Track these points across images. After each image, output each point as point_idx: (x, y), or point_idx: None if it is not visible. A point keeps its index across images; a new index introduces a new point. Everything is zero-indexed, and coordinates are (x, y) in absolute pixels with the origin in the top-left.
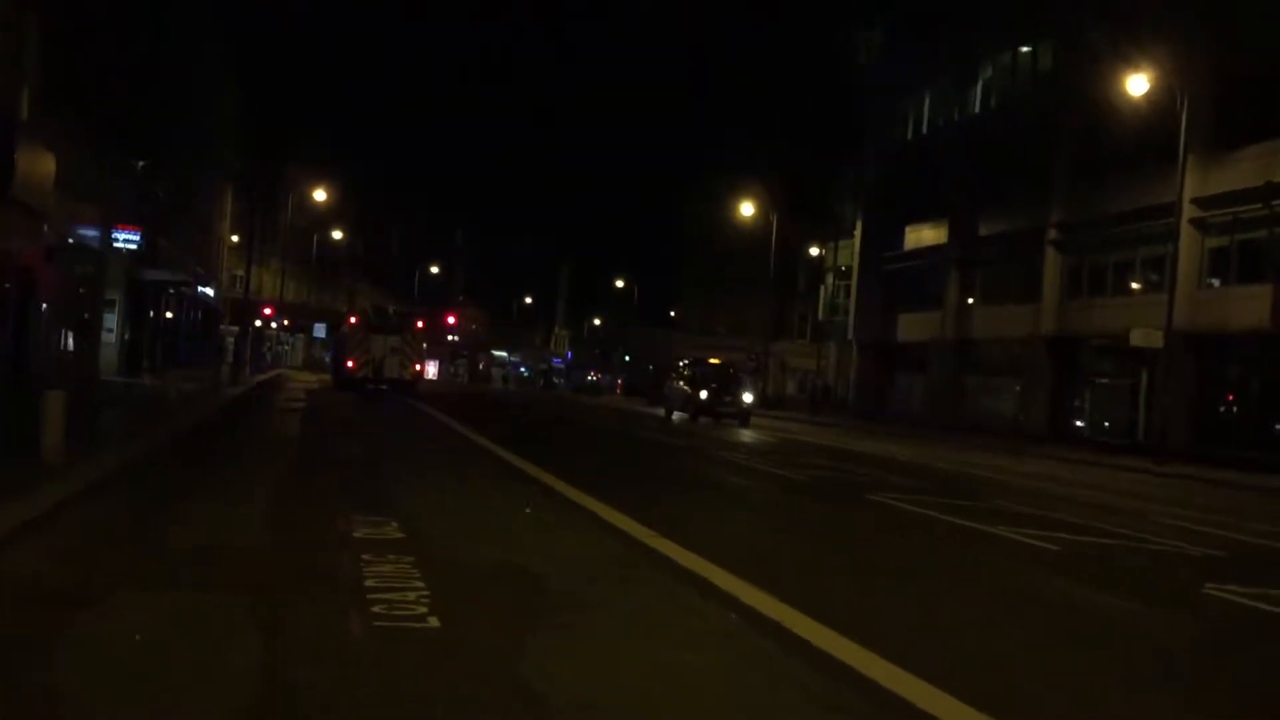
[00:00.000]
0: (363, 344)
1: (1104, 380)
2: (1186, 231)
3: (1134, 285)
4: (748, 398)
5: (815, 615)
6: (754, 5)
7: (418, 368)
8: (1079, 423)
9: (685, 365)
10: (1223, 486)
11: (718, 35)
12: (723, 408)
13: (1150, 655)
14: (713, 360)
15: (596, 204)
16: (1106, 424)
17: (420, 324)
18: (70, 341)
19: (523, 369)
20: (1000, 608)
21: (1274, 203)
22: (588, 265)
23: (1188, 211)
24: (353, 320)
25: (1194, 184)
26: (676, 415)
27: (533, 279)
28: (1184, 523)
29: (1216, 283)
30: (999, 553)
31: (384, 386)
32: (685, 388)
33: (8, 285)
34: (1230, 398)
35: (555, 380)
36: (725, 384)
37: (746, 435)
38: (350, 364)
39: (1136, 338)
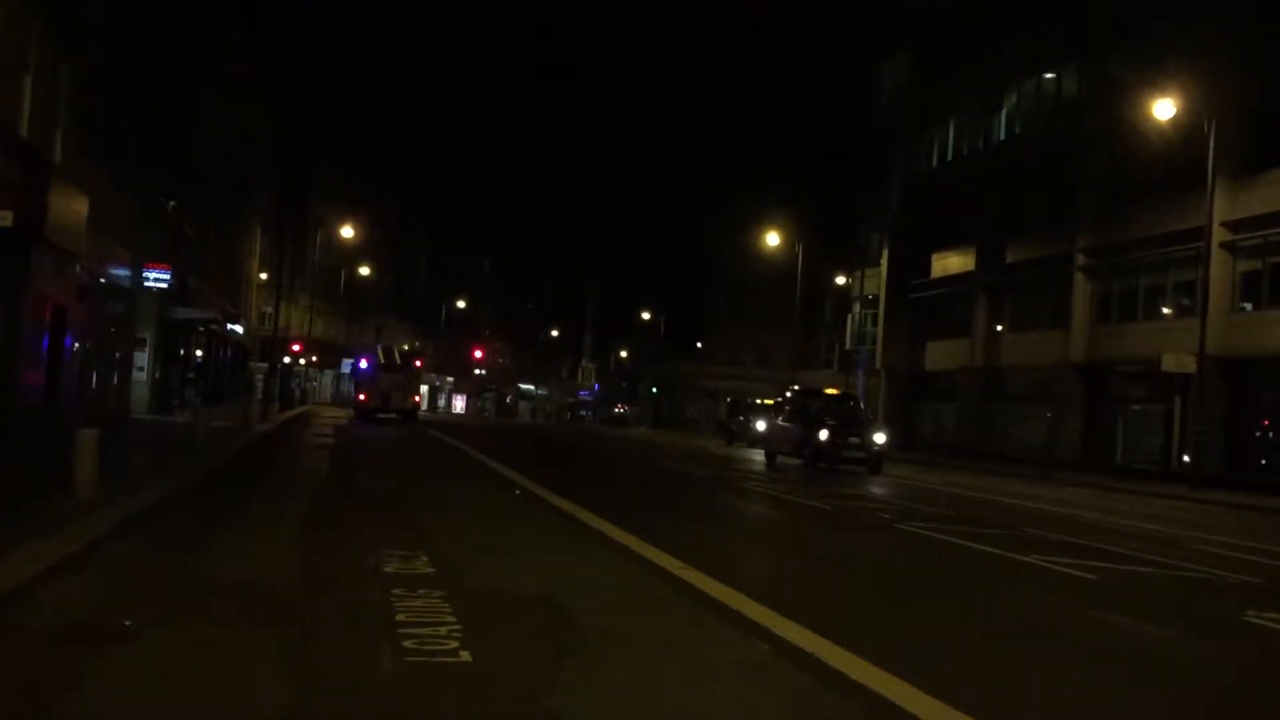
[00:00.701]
0: (373, 380)
1: (1136, 406)
2: (1217, 255)
3: (1165, 310)
4: (879, 438)
5: (848, 646)
6: (780, 36)
7: (415, 399)
8: (1111, 450)
9: (794, 397)
10: (1258, 512)
11: (743, 67)
12: (849, 451)
13: (1196, 688)
14: (829, 390)
15: (623, 237)
16: (1139, 451)
17: (419, 363)
18: (102, 380)
19: (551, 405)
20: (1034, 637)
21: None
22: (614, 298)
23: (1218, 235)
24: (361, 362)
25: (1223, 207)
26: (781, 459)
27: (559, 312)
28: (1220, 550)
29: (1249, 306)
30: (1033, 582)
31: (392, 414)
32: (797, 426)
33: (40, 325)
34: (1265, 423)
35: (583, 413)
36: (849, 421)
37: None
38: (363, 397)
39: (1168, 363)
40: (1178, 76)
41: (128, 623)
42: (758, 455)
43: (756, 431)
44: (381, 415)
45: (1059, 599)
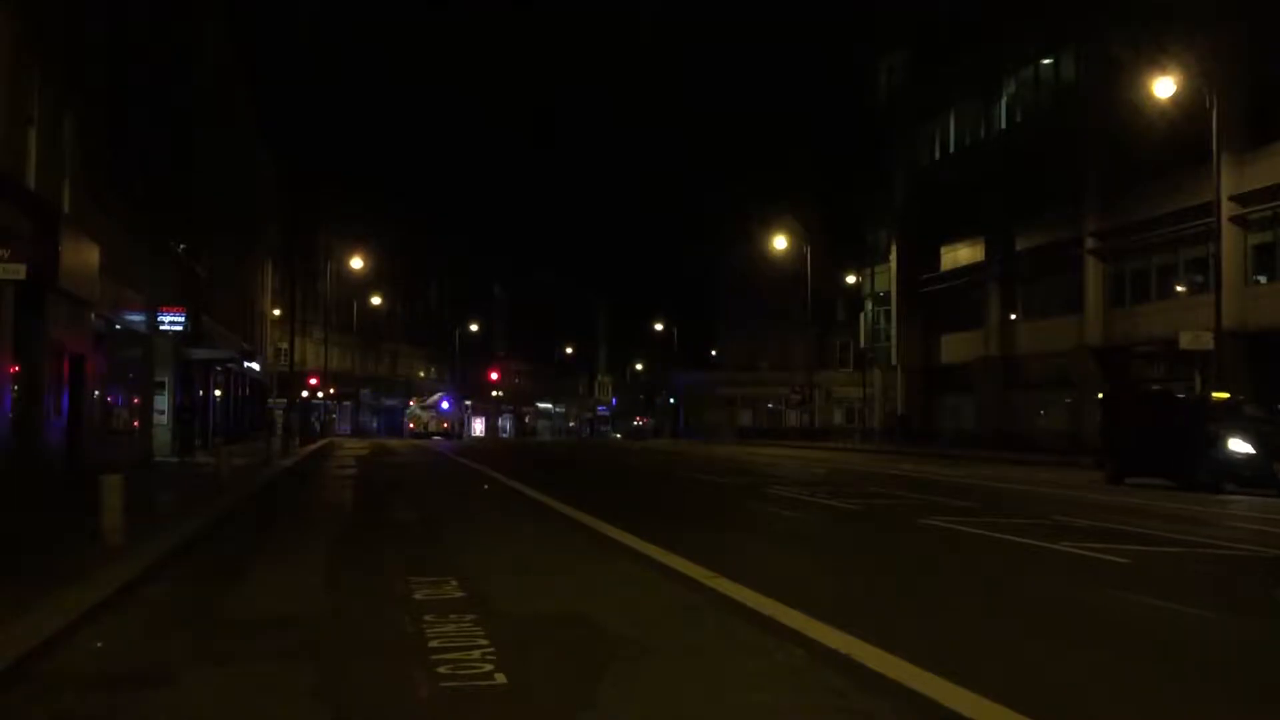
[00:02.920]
0: (418, 416)
1: (1156, 386)
2: (1227, 230)
3: (1179, 288)
4: None
5: (883, 646)
6: (777, 42)
7: (445, 425)
8: None
9: None
10: None
11: (742, 73)
12: None
13: (1237, 667)
14: None
15: (630, 250)
16: None
17: (445, 404)
18: (123, 425)
19: (572, 422)
20: (1067, 626)
21: None
22: (626, 310)
23: (1227, 209)
24: (411, 403)
25: (1230, 181)
26: None
27: (572, 328)
28: (1250, 525)
29: (1263, 279)
30: (1064, 570)
31: (432, 435)
32: None
33: (59, 374)
34: None
35: (602, 428)
36: None
37: (790, 463)
38: (411, 425)
39: (1185, 341)
40: (1178, 53)
41: (184, 671)
42: None
43: None
44: (425, 436)
45: (1093, 585)
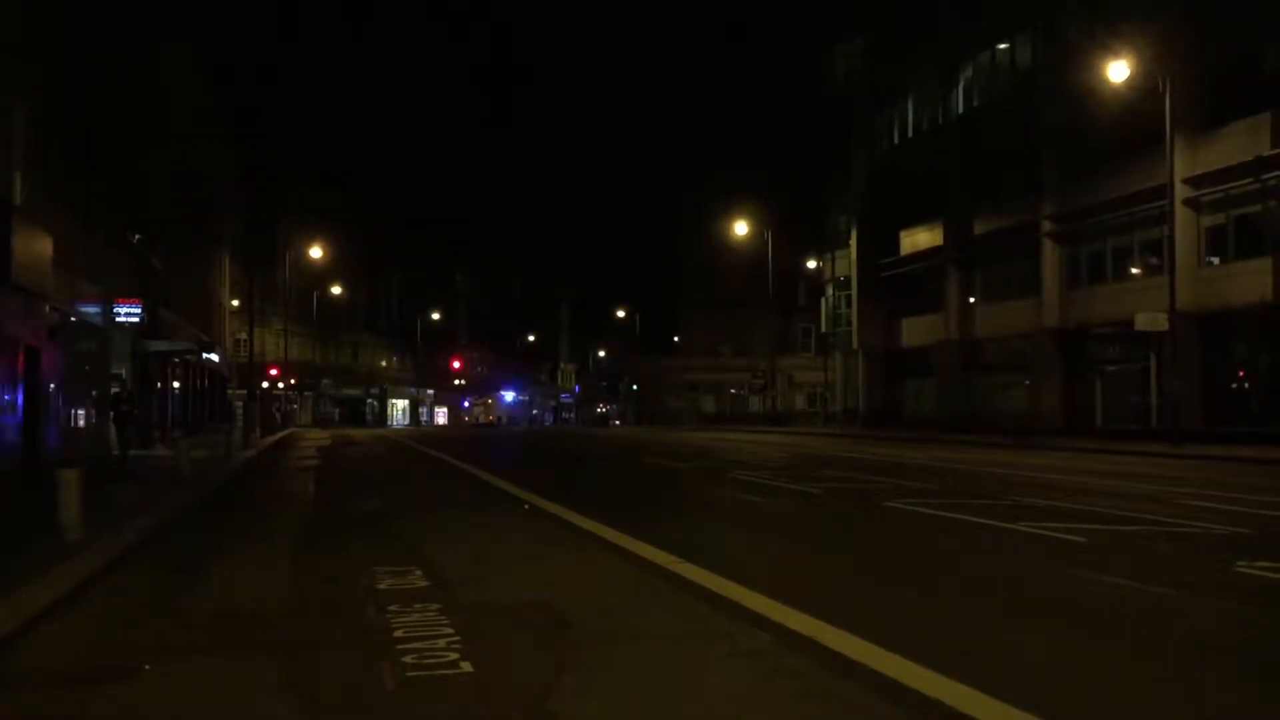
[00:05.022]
0: (470, 412)
1: (1113, 368)
2: (1181, 212)
3: (1134, 270)
4: None
5: (847, 628)
6: (737, 27)
7: (491, 419)
8: (1091, 412)
9: None
10: (1239, 463)
11: (702, 61)
12: None
13: (1196, 642)
14: None
15: (593, 236)
16: (1119, 412)
17: (490, 402)
18: (80, 418)
19: (535, 410)
20: (1028, 605)
21: (1265, 176)
22: (588, 297)
23: (1180, 192)
24: (465, 404)
25: (1184, 164)
26: None
27: (534, 316)
28: (1206, 503)
29: (1216, 260)
30: (1024, 549)
31: (479, 424)
32: None
33: (13, 368)
34: (1240, 374)
35: (565, 416)
36: None
37: (753, 448)
38: (467, 419)
39: (1141, 322)
40: (1132, 38)
41: (147, 667)
42: None
43: None
44: (475, 427)
45: (1051, 564)
